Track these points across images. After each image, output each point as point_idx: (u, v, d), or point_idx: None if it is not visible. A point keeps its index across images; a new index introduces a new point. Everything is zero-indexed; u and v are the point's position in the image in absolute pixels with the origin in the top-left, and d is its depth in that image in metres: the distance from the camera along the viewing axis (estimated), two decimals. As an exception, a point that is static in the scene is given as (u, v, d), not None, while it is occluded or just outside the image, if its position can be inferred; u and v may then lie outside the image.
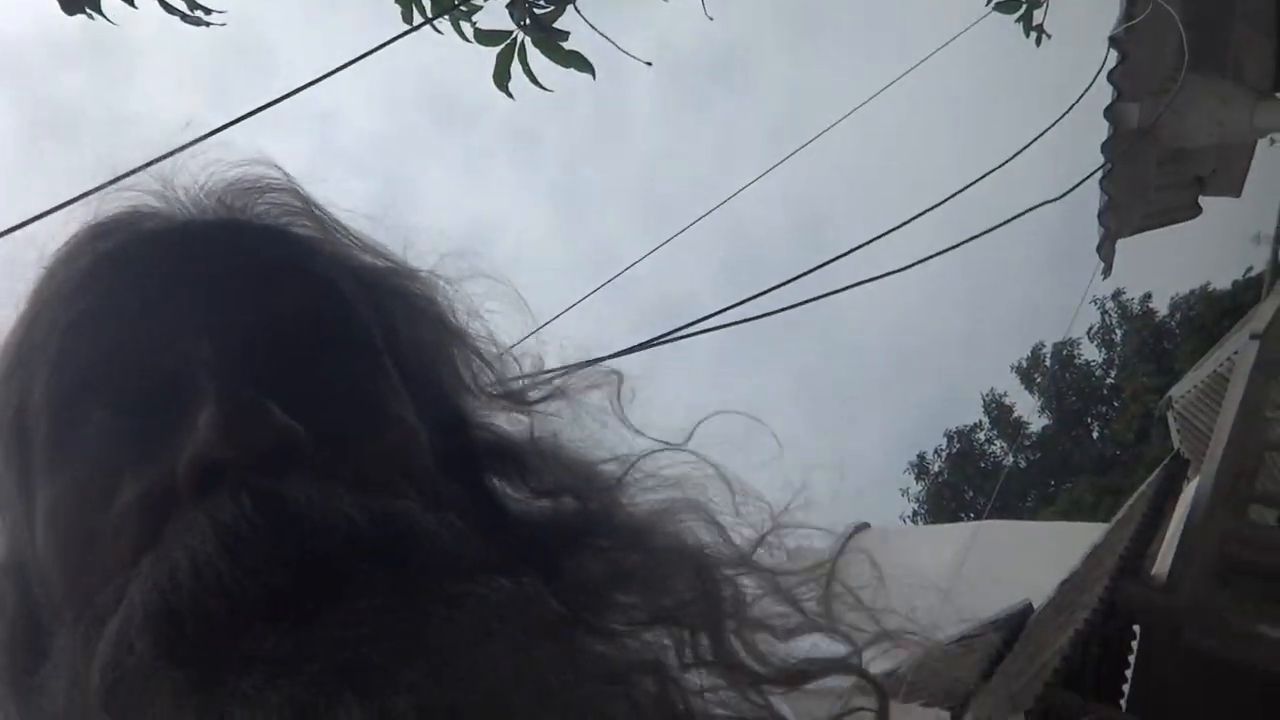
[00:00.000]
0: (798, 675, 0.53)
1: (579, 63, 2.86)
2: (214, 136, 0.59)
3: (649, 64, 2.81)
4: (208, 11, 1.76)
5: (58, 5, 1.67)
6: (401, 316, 0.57)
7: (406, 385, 0.53)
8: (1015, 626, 3.74)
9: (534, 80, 2.91)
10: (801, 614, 0.55)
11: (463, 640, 0.39)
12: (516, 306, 0.62)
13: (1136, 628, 3.40)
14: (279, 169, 0.58)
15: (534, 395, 0.60)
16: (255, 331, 0.47)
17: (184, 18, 1.72)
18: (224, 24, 1.73)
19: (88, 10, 1.63)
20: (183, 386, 0.45)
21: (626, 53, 2.67)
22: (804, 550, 0.58)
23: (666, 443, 0.59)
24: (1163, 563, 3.56)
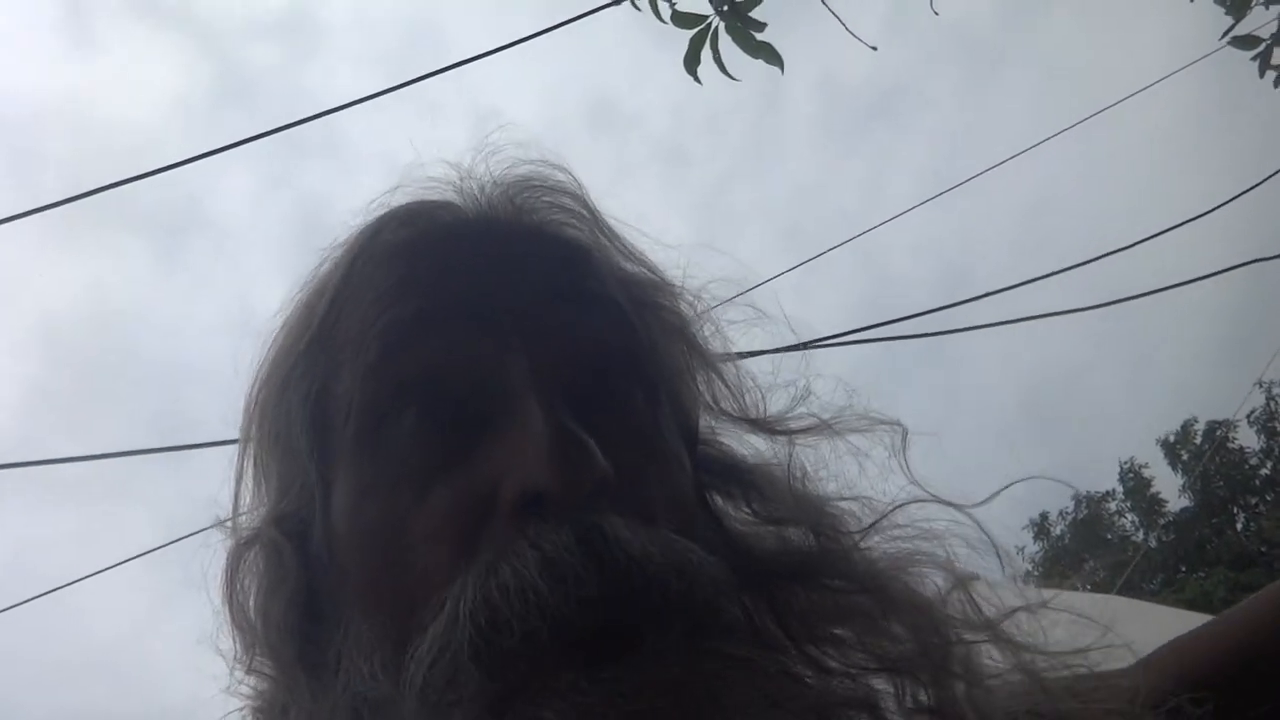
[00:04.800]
0: None
1: (769, 55, 2.84)
2: (503, 132, 0.61)
3: (874, 48, 2.79)
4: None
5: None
6: (658, 332, 0.58)
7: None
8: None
9: (722, 68, 2.92)
10: (1044, 694, 0.52)
11: (755, 708, 0.42)
12: (778, 331, 0.62)
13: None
14: (567, 172, 0.60)
15: (795, 425, 0.60)
16: (565, 354, 0.49)
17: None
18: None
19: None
20: (497, 397, 0.47)
21: (854, 35, 2.66)
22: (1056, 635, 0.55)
23: (936, 496, 0.57)
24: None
